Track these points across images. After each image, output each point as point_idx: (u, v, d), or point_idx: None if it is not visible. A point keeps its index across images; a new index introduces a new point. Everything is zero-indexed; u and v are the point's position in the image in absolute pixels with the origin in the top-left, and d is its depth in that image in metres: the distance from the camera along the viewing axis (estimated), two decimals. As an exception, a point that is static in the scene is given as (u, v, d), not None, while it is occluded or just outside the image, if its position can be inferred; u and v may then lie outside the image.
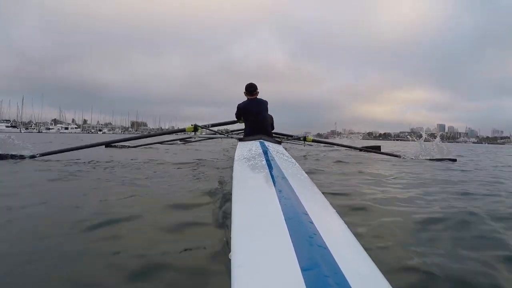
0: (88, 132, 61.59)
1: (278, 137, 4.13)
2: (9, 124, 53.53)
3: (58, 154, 3.82)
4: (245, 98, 3.61)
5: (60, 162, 3.41)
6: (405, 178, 2.90)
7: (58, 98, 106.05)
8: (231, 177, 1.54)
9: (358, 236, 0.76)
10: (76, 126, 67.56)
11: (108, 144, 5.09)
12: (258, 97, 3.59)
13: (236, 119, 4.00)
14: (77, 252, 1.01)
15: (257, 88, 3.54)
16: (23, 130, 49.28)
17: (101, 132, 63.80)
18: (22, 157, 3.58)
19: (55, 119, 69.93)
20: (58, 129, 58.56)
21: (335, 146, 6.74)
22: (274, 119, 4.12)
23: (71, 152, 3.87)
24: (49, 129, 58.42)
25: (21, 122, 60.78)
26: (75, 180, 2.33)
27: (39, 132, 48.89)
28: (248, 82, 3.56)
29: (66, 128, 60.97)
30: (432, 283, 0.88)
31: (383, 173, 3.23)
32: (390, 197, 1.99)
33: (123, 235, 1.16)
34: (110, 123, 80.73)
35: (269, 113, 3.69)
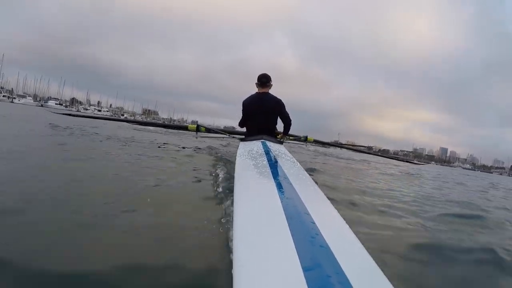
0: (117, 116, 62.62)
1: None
2: (57, 102, 56.35)
3: None
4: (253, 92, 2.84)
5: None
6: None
7: (78, 78, 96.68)
8: (233, 177, 1.45)
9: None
10: (107, 110, 68.47)
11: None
12: (272, 93, 2.82)
13: (239, 125, 3.11)
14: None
15: (270, 80, 2.77)
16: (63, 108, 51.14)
17: (123, 117, 64.20)
18: None
19: (73, 98, 68.76)
20: (92, 110, 59.85)
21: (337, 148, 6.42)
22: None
23: None
24: (86, 109, 59.89)
25: (61, 100, 62.57)
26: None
27: (78, 111, 50.45)
28: (262, 73, 2.79)
29: (99, 110, 62.12)
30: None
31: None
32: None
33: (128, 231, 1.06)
34: (122, 108, 78.82)
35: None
